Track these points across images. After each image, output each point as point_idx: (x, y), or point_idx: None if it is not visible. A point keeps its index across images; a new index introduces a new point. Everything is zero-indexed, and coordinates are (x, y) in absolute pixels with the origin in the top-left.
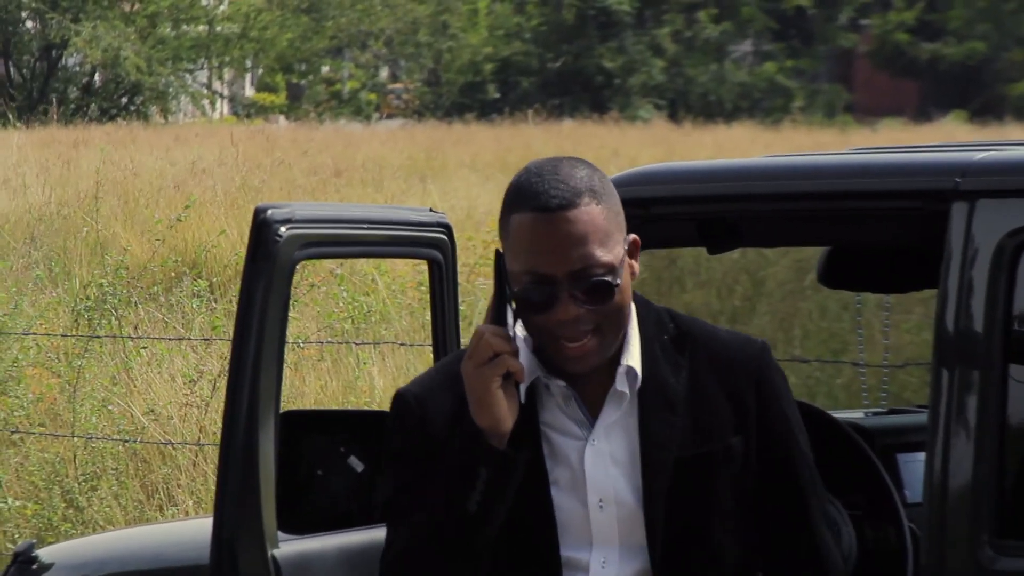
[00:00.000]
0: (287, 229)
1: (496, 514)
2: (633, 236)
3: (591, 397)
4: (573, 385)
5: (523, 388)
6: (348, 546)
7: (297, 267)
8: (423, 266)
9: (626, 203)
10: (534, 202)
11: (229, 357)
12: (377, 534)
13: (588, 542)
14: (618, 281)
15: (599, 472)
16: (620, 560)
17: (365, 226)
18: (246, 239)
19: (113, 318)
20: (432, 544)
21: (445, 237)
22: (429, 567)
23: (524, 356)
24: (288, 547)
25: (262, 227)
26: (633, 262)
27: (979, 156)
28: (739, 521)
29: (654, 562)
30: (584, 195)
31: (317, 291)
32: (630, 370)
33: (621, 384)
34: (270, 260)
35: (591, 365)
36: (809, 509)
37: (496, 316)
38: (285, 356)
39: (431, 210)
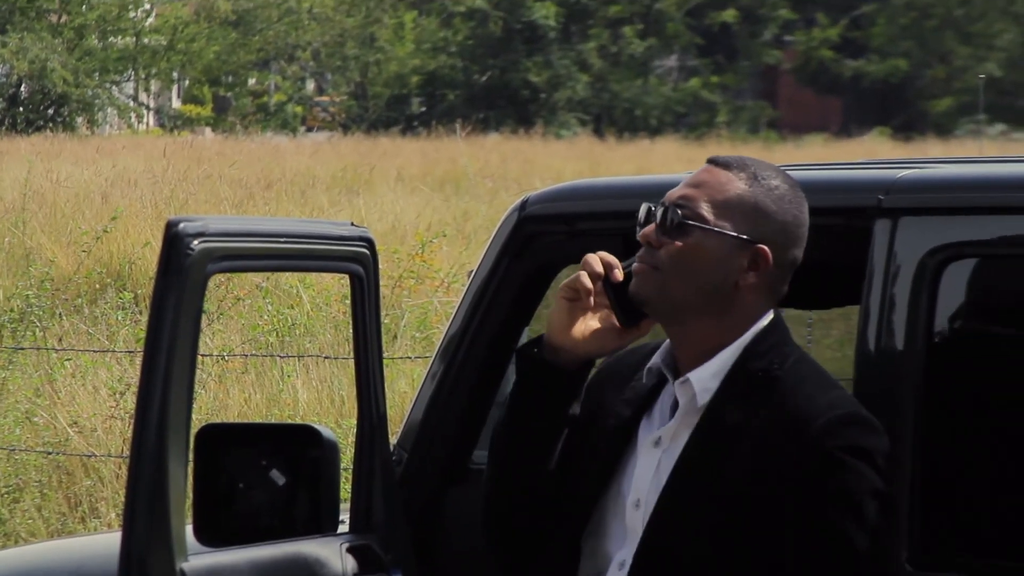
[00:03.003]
0: (199, 242)
1: (517, 419)
2: (761, 246)
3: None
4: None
5: (656, 364)
6: (259, 559)
7: (211, 280)
8: (347, 280)
9: (551, 218)
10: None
11: (139, 371)
12: (292, 548)
13: (623, 538)
14: (694, 225)
15: (644, 472)
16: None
17: (283, 240)
18: None
19: (37, 329)
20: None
21: (367, 251)
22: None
23: (665, 345)
24: (197, 561)
25: (174, 240)
26: (751, 272)
27: (902, 174)
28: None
29: (633, 564)
30: (743, 171)
31: (242, 304)
32: (687, 381)
33: (680, 392)
34: (182, 273)
35: (642, 291)
36: None
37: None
38: (209, 369)
39: (352, 224)
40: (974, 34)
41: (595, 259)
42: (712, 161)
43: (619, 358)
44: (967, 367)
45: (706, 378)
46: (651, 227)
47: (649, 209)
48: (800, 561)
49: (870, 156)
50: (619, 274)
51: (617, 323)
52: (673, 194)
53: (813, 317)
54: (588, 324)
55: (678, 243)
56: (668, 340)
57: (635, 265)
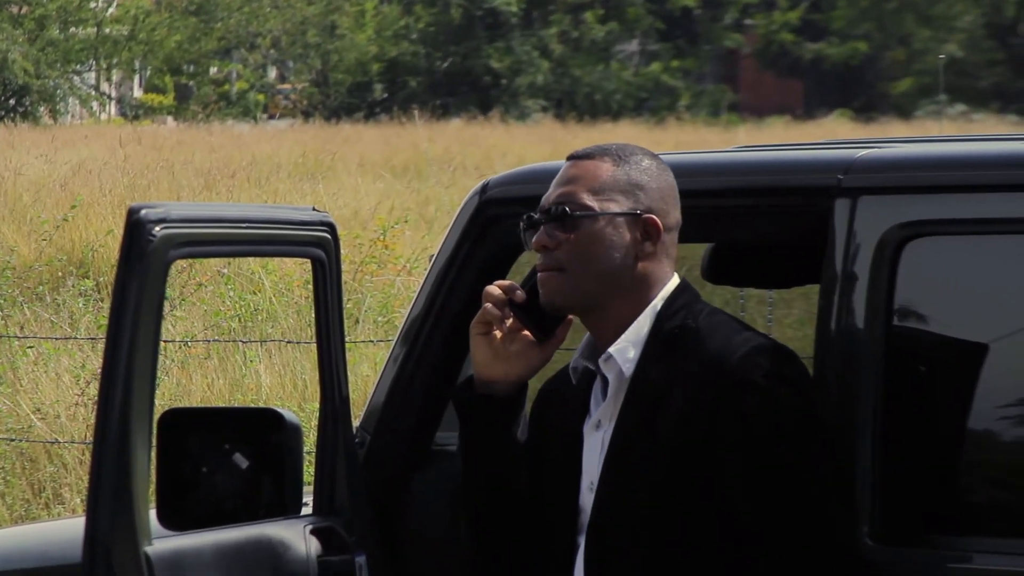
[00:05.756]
0: (161, 229)
1: (477, 459)
2: (649, 216)
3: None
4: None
5: (577, 361)
6: (223, 543)
7: (173, 267)
8: (309, 264)
9: (511, 201)
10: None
11: (102, 358)
12: (255, 530)
13: (585, 522)
14: (578, 215)
15: (591, 455)
16: None
17: (244, 225)
18: None
19: None
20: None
21: (329, 236)
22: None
23: (584, 341)
24: (161, 544)
25: (135, 227)
26: (646, 243)
27: (861, 153)
28: (682, 522)
29: (586, 541)
30: (605, 155)
31: (204, 290)
32: (610, 357)
33: (606, 369)
34: (144, 260)
35: (555, 301)
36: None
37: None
38: (172, 355)
39: (314, 209)
40: (934, 16)
41: (494, 288)
42: (573, 156)
43: (556, 376)
44: (926, 345)
45: (626, 348)
46: (541, 233)
47: (528, 217)
48: (749, 502)
49: (830, 137)
50: (520, 294)
51: (534, 338)
52: (550, 196)
53: (774, 296)
54: (509, 350)
55: (573, 237)
56: (584, 339)
57: (539, 275)
